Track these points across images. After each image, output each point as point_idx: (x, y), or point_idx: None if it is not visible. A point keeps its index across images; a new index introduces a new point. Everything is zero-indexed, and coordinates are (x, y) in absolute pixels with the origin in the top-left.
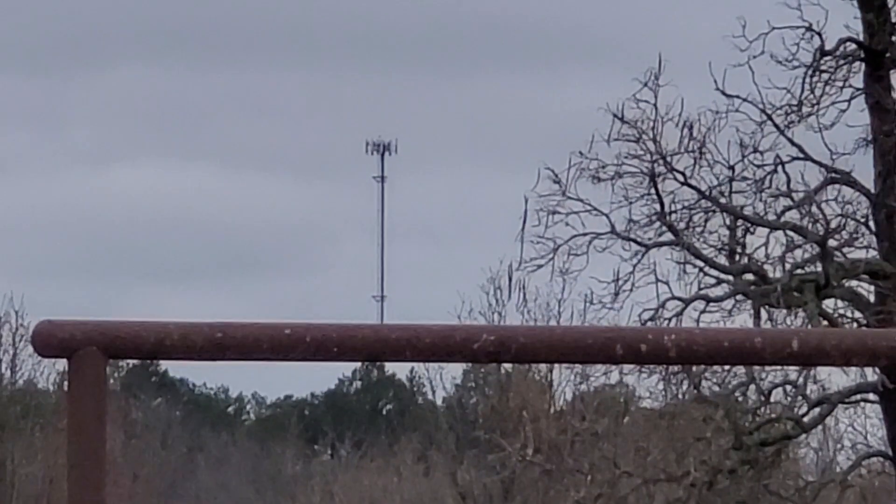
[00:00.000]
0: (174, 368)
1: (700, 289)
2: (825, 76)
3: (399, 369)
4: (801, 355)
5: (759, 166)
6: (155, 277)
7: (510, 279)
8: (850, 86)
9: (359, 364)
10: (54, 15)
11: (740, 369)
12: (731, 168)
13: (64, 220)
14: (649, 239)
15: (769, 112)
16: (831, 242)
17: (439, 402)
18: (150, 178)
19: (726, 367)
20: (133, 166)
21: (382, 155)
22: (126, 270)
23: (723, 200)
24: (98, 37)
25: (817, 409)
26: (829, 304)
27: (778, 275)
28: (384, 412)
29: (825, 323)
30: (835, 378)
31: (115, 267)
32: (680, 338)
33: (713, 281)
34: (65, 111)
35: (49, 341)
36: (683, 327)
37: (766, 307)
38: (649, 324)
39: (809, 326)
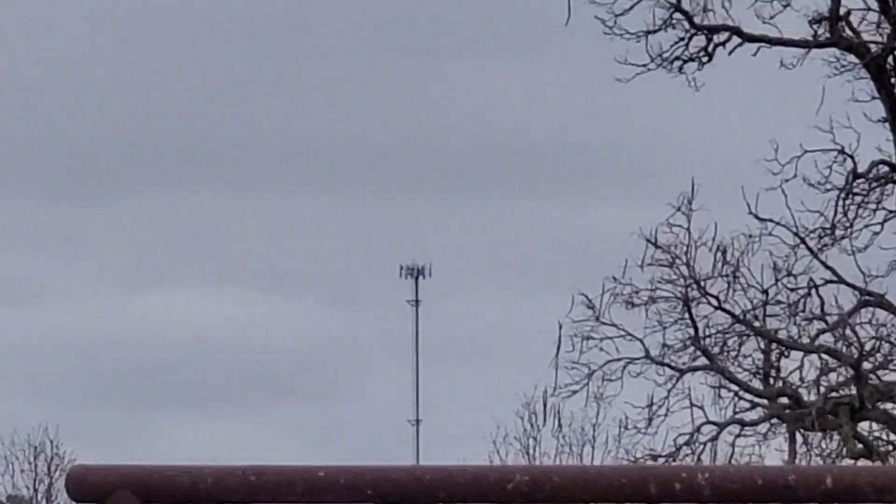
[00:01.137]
0: None
1: (735, 413)
2: (858, 199)
3: None
4: (834, 493)
5: (792, 290)
6: (185, 403)
7: (545, 404)
8: (884, 208)
9: None
10: (77, 141)
11: None
12: (765, 292)
13: (93, 347)
14: (683, 363)
15: (802, 235)
16: (865, 365)
17: None
18: (177, 302)
19: None
20: (161, 291)
21: (416, 279)
22: (155, 396)
23: (757, 324)
24: (121, 162)
25: None
26: (864, 426)
27: (812, 398)
28: None
29: (860, 446)
30: None
31: (145, 393)
32: (714, 476)
33: (748, 405)
34: (90, 237)
35: (83, 486)
36: (717, 465)
37: (802, 430)
38: (684, 448)
39: (845, 450)
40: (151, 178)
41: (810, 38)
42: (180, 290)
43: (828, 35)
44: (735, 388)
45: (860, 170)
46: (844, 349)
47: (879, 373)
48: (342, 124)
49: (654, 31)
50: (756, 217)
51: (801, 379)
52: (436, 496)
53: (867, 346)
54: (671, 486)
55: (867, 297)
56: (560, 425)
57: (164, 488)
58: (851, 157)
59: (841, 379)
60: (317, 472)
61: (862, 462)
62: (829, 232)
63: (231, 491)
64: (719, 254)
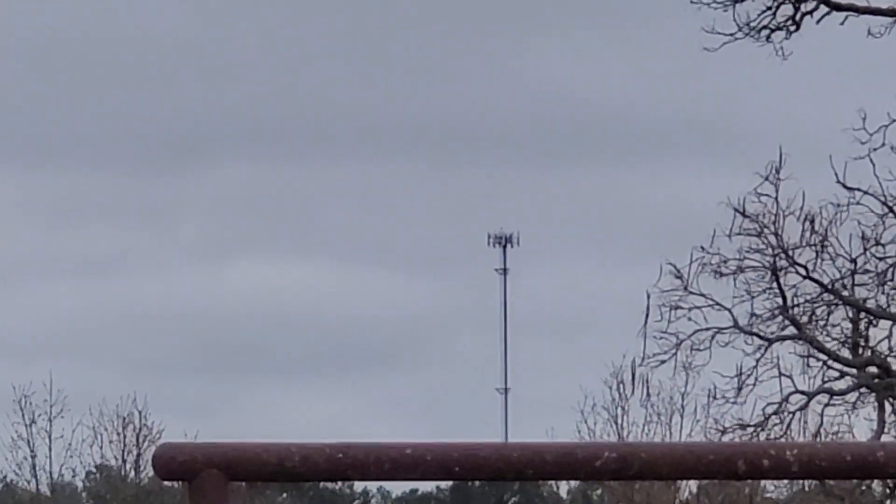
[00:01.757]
0: None
1: (824, 382)
2: None
3: None
4: None
5: (881, 259)
6: (273, 373)
7: (633, 374)
8: None
9: None
10: (161, 114)
11: None
12: (854, 261)
13: (180, 317)
14: (772, 333)
15: (891, 204)
16: None
17: (564, 494)
18: (264, 273)
19: None
20: (248, 262)
21: (504, 247)
22: (243, 367)
23: (845, 293)
24: (207, 132)
25: None
26: None
27: None
28: None
29: None
30: None
31: (232, 363)
32: (802, 452)
33: (837, 374)
34: (177, 209)
35: (170, 465)
36: (805, 441)
37: (891, 400)
38: (773, 418)
39: None
40: (239, 149)
41: None
42: (268, 261)
43: None
44: (823, 357)
45: None
46: None
47: None
48: (432, 98)
49: (742, 0)
50: (844, 186)
51: (890, 348)
52: (524, 474)
53: None
54: (759, 462)
55: None
56: (648, 395)
57: (252, 466)
58: None
59: None
60: (404, 450)
61: None
62: None
63: (318, 468)
64: (807, 223)
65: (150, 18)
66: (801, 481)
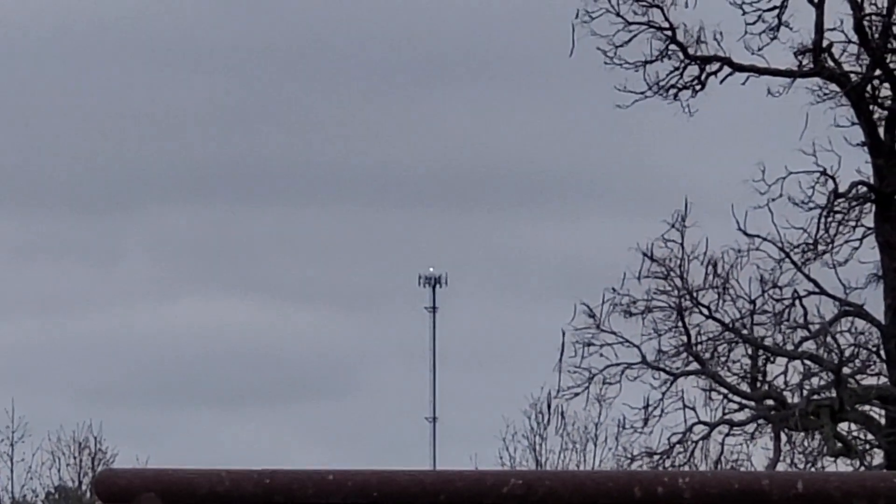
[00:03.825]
0: None
1: (724, 414)
2: (839, 216)
3: None
4: (805, 496)
5: (778, 300)
6: (216, 404)
7: (549, 405)
8: (862, 225)
9: None
10: (101, 154)
11: None
12: (753, 302)
13: (130, 351)
14: (677, 368)
15: (787, 250)
16: (845, 370)
17: None
18: (205, 310)
19: None
20: (191, 299)
21: (434, 287)
22: (188, 397)
23: (745, 332)
24: (147, 178)
25: None
26: (843, 426)
27: (796, 400)
28: None
29: (840, 445)
30: None
31: (179, 394)
32: (694, 480)
33: (736, 406)
34: (121, 249)
35: (111, 489)
36: (697, 471)
37: (786, 430)
38: (677, 447)
39: (826, 448)
40: (177, 193)
41: (795, 69)
42: (208, 299)
43: (811, 66)
44: (724, 390)
45: (841, 190)
46: (826, 355)
47: (858, 377)
48: (358, 144)
49: (652, 62)
50: (744, 233)
51: (786, 383)
52: (437, 498)
53: (847, 353)
54: (654, 490)
55: (847, 308)
56: (564, 424)
57: (186, 490)
58: (833, 178)
59: (822, 383)
60: (327, 476)
61: (841, 460)
62: (811, 247)
63: (247, 493)
64: (710, 267)
65: (90, 63)
66: None
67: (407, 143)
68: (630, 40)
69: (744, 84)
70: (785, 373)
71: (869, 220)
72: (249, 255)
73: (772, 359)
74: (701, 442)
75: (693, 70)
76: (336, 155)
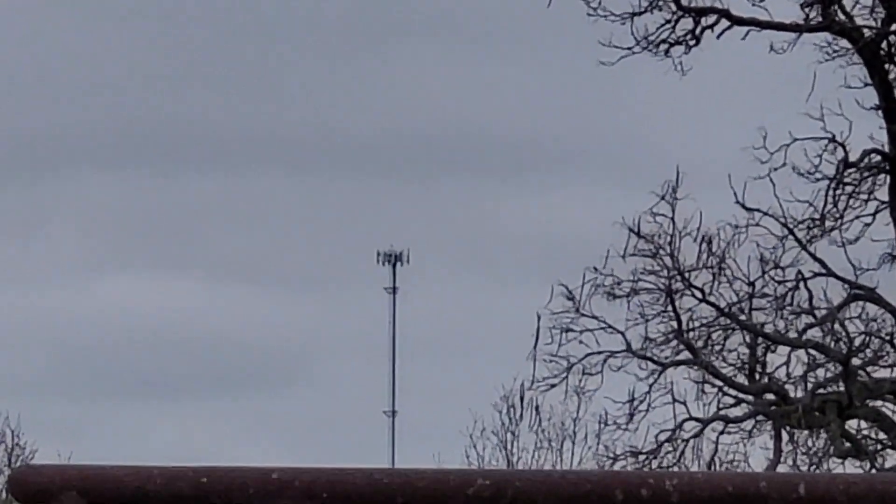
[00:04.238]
0: None
1: (719, 409)
2: (849, 189)
3: None
4: (808, 501)
5: (780, 282)
6: (148, 395)
7: (522, 398)
8: (875, 199)
9: None
10: (19, 115)
11: None
12: (752, 284)
13: (51, 334)
14: (666, 357)
15: (791, 226)
16: (854, 361)
17: None
18: (136, 290)
19: None
20: (119, 278)
21: (394, 265)
22: (116, 387)
23: (742, 318)
24: (74, 144)
25: None
26: (852, 424)
27: (799, 395)
28: None
29: (848, 444)
30: None
31: (106, 383)
32: (682, 482)
33: (732, 401)
34: (44, 223)
35: (28, 488)
36: (686, 471)
37: (788, 428)
38: (666, 445)
39: (832, 448)
40: (107, 163)
41: (801, 22)
42: (139, 278)
43: (820, 19)
44: (719, 383)
45: (851, 159)
46: (833, 344)
47: (869, 369)
48: (312, 110)
49: (640, 13)
50: (743, 207)
51: (788, 375)
52: (394, 500)
53: (856, 342)
54: (638, 492)
55: (857, 291)
56: (539, 420)
57: (112, 489)
58: (843, 145)
59: (829, 375)
60: (270, 474)
61: (849, 461)
62: (818, 223)
63: (181, 493)
64: (704, 244)
65: (9, 19)
66: None
67: (364, 105)
68: None
69: (743, 39)
70: (787, 363)
71: (883, 193)
72: (186, 229)
73: (772, 348)
74: (692, 440)
75: (687, 23)
76: (285, 118)
